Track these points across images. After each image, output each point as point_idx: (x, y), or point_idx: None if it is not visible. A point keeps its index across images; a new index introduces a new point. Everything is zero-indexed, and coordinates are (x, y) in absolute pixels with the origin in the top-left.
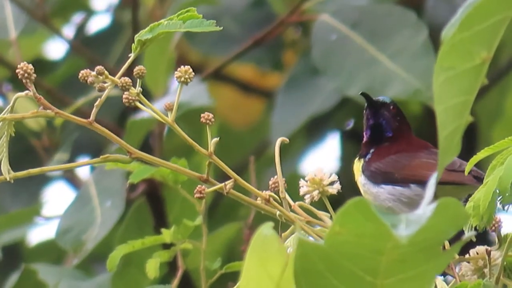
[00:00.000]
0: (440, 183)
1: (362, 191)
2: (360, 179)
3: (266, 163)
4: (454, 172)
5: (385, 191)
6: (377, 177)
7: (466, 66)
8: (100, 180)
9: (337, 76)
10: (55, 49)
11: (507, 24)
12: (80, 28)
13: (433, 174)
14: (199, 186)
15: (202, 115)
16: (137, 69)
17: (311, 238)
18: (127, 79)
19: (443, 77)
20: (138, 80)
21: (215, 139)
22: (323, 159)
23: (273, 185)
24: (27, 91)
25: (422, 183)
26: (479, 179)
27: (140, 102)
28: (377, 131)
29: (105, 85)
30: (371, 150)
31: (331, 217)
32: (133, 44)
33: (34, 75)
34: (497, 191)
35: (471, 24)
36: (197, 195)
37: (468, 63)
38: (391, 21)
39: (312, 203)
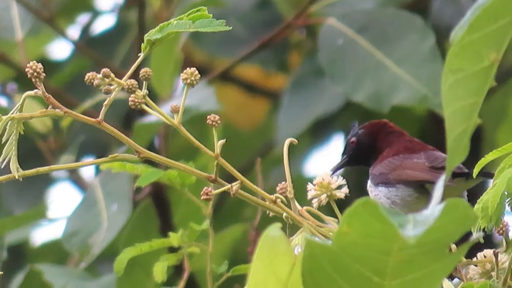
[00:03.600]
0: (418, 182)
1: (369, 193)
2: (368, 183)
3: (271, 164)
4: (431, 170)
5: (381, 194)
6: (376, 179)
7: (475, 68)
8: (106, 183)
9: (343, 81)
10: (60, 49)
11: None
12: (85, 29)
13: (417, 173)
14: (205, 188)
15: (208, 117)
16: (143, 71)
17: (318, 239)
18: (133, 81)
19: (452, 79)
20: (144, 82)
21: (222, 141)
22: (328, 161)
23: (280, 191)
24: (36, 90)
25: (407, 183)
26: (459, 175)
27: (147, 105)
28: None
29: (111, 87)
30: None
31: (338, 222)
32: (142, 44)
33: (44, 74)
34: (506, 193)
35: (480, 26)
36: (204, 197)
37: (477, 65)
38: (398, 26)
39: (320, 207)
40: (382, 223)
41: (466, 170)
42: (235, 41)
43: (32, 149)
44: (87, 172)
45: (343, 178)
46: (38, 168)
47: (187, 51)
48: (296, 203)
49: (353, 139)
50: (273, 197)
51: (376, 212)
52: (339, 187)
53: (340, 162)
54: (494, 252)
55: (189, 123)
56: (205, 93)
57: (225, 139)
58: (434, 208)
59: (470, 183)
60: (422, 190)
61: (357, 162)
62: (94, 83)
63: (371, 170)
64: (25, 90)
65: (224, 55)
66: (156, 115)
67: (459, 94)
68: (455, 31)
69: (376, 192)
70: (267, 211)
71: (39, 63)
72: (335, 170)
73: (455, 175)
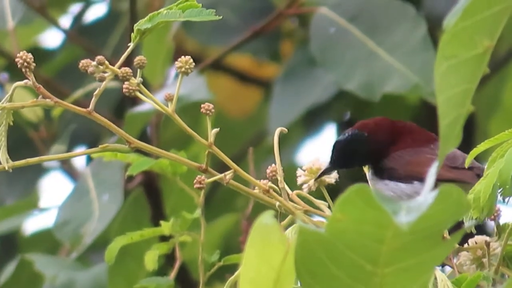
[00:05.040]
0: (441, 180)
1: (370, 185)
2: (368, 174)
3: (263, 154)
4: (456, 170)
5: (387, 188)
6: (382, 173)
7: (468, 54)
8: (98, 172)
9: (335, 70)
10: (52, 38)
11: (510, 13)
12: (77, 18)
13: (442, 172)
14: (198, 176)
15: (202, 105)
16: (137, 59)
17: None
18: (127, 69)
19: (445, 66)
20: (138, 70)
21: (215, 130)
22: (319, 151)
23: (270, 174)
24: (26, 80)
25: (423, 181)
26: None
27: (141, 92)
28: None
29: (105, 75)
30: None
31: (329, 206)
32: (132, 33)
33: (34, 64)
34: (498, 184)
35: (474, 13)
36: (197, 185)
37: (470, 51)
38: (390, 14)
39: (310, 193)
40: (376, 210)
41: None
42: (227, 30)
43: (23, 139)
44: (79, 161)
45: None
46: (28, 159)
47: (179, 40)
48: (287, 188)
49: (352, 146)
50: (266, 186)
51: (369, 199)
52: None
53: (327, 167)
54: (485, 242)
55: (180, 112)
56: (196, 82)
57: (218, 128)
58: (428, 195)
59: None
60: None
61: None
62: (88, 71)
63: (374, 165)
64: (16, 79)
65: (216, 44)
66: (150, 102)
67: (452, 81)
68: (449, 18)
69: (380, 186)
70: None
71: (30, 53)
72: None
73: (478, 176)
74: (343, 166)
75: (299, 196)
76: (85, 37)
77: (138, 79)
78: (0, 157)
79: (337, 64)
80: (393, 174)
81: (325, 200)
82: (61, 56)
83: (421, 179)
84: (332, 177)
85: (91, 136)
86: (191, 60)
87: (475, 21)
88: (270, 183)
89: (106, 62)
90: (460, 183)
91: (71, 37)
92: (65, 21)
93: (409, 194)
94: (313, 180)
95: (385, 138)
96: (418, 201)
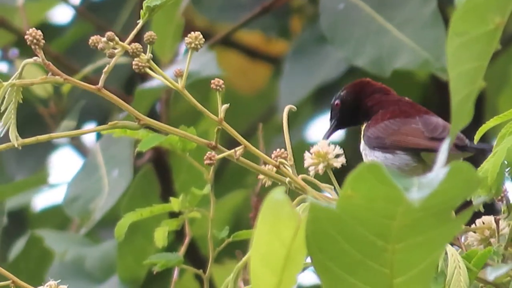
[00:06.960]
0: (419, 149)
1: (363, 156)
2: (361, 145)
3: (273, 130)
4: (435, 140)
5: (378, 160)
6: (372, 142)
7: (480, 31)
8: (107, 148)
9: (344, 46)
10: (62, 14)
11: None
12: None
13: (419, 140)
14: (209, 152)
15: (212, 81)
16: (147, 35)
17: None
18: (137, 45)
19: (456, 43)
20: (148, 46)
21: (225, 106)
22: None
23: (275, 158)
24: (35, 57)
25: (407, 150)
26: (461, 148)
27: (151, 69)
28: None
29: (115, 51)
30: (372, 116)
31: (335, 189)
32: (141, 10)
33: (43, 41)
34: (505, 162)
35: None
36: (207, 161)
37: (481, 28)
38: None
39: (316, 175)
40: (387, 186)
41: (467, 142)
42: (236, 6)
43: (33, 115)
44: (88, 137)
45: (340, 147)
46: (37, 136)
47: (188, 16)
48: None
49: (337, 101)
50: (276, 162)
51: (381, 175)
52: (336, 156)
53: (330, 128)
54: (495, 219)
55: (190, 88)
56: (206, 58)
57: (228, 104)
58: (439, 171)
59: (469, 152)
60: (419, 158)
61: (346, 124)
62: (98, 47)
63: (365, 131)
64: (26, 54)
65: (225, 20)
66: (159, 79)
67: (463, 58)
68: None
69: (372, 157)
70: (267, 179)
71: (39, 30)
72: (327, 136)
73: (457, 147)
74: (339, 123)
75: (304, 179)
76: (94, 13)
77: (148, 55)
78: (10, 134)
79: (346, 40)
80: (380, 144)
81: (331, 183)
82: (70, 32)
83: (403, 148)
84: (339, 161)
85: (101, 112)
86: (201, 36)
87: None
88: (281, 159)
89: (116, 38)
90: (431, 151)
91: (80, 13)
92: None
93: (398, 165)
94: (321, 163)
95: (359, 93)
96: (429, 177)
